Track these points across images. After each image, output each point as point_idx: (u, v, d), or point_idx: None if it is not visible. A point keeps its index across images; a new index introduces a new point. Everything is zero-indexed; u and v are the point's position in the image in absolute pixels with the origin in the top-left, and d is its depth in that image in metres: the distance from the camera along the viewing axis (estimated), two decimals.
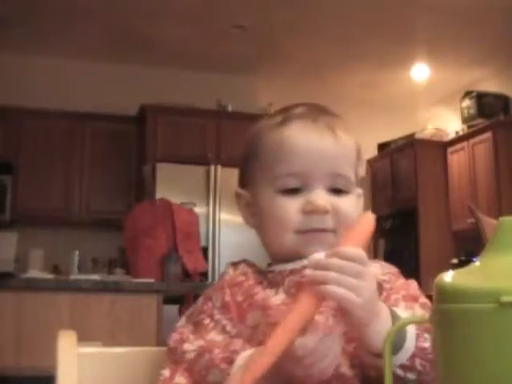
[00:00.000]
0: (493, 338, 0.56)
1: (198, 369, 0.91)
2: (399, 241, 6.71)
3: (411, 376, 0.86)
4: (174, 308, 3.46)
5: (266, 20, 5.65)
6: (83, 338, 1.07)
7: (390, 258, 6.25)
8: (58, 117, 6.22)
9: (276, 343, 0.79)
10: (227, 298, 0.98)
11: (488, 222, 2.78)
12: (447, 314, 0.60)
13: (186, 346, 0.94)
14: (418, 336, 0.85)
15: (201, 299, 1.01)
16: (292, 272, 0.98)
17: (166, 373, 0.94)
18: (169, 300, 3.32)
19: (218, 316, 0.96)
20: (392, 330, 0.66)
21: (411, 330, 0.85)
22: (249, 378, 0.77)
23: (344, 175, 1.01)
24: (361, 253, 0.83)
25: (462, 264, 5.83)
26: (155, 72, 6.62)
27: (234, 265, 1.04)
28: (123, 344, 3.01)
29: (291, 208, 0.98)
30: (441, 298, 0.61)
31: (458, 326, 0.58)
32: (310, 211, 0.98)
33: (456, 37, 5.84)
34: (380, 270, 1.01)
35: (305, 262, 0.96)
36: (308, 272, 0.83)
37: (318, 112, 1.04)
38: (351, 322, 0.82)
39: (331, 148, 1.00)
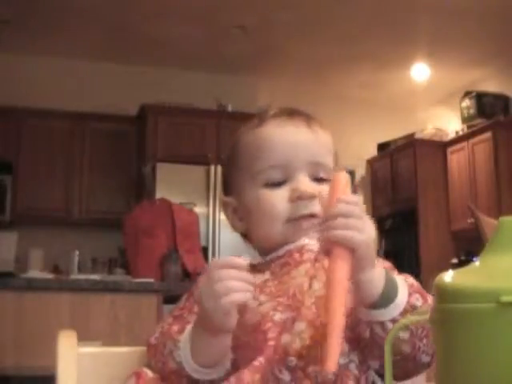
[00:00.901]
0: (493, 338, 0.56)
1: (159, 348, 0.93)
2: (399, 241, 6.71)
3: (403, 335, 0.87)
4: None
5: (267, 20, 5.65)
6: (83, 337, 1.07)
7: (390, 257, 6.24)
8: (58, 117, 6.22)
9: (338, 307, 0.79)
10: None
11: (488, 222, 2.78)
12: (447, 314, 0.60)
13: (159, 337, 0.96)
14: (409, 294, 0.87)
15: (184, 296, 1.03)
16: (278, 257, 0.99)
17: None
18: (169, 300, 3.31)
19: (196, 309, 0.96)
20: (392, 330, 0.66)
21: (403, 287, 0.87)
22: (332, 363, 0.76)
23: (323, 163, 1.03)
24: (357, 198, 0.86)
25: (462, 264, 5.83)
26: (155, 72, 6.62)
27: None
28: (123, 344, 3.01)
29: (278, 198, 1.00)
30: (441, 298, 0.61)
31: (458, 325, 0.58)
32: (296, 198, 0.99)
33: (456, 37, 5.84)
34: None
35: (291, 246, 0.99)
36: (319, 230, 0.85)
37: (292, 111, 1.06)
38: (354, 262, 0.83)
39: (308, 138, 1.03)
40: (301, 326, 0.92)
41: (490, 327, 0.56)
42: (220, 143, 6.11)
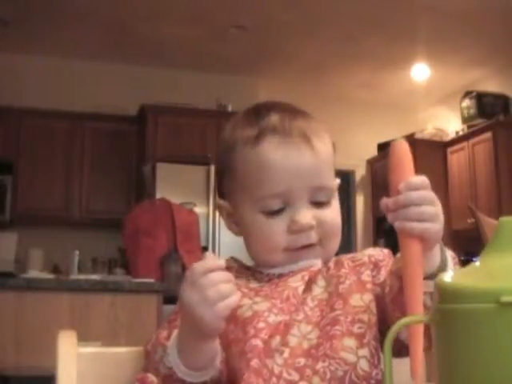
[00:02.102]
0: (493, 338, 0.56)
1: (150, 355, 0.93)
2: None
3: None
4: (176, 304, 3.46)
5: (267, 20, 5.65)
6: (83, 337, 1.07)
7: None
8: (58, 117, 6.22)
9: (415, 300, 0.78)
10: None
11: (488, 222, 2.78)
12: (447, 314, 0.60)
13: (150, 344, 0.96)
14: (454, 264, 0.89)
15: (178, 301, 1.02)
16: (279, 276, 0.99)
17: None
18: (169, 300, 3.31)
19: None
20: (392, 330, 0.66)
21: (450, 258, 0.88)
22: (417, 364, 0.75)
23: (324, 186, 1.01)
24: (425, 180, 0.84)
25: (462, 264, 5.82)
26: (155, 72, 6.62)
27: (234, 259, 1.06)
28: (123, 344, 3.01)
29: (277, 229, 0.99)
30: (441, 298, 0.61)
31: (458, 325, 0.58)
32: (296, 231, 0.98)
33: (456, 37, 5.84)
34: (374, 251, 1.04)
35: (294, 267, 0.99)
36: (390, 216, 0.82)
37: (290, 120, 1.02)
38: (424, 245, 0.82)
39: (310, 162, 0.99)
40: (307, 328, 0.93)
41: (490, 327, 0.56)
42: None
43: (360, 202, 7.49)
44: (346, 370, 0.90)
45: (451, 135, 6.81)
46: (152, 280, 3.43)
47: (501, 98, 6.37)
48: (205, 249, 5.18)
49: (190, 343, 0.87)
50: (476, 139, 6.30)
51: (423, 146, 6.73)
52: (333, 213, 1.02)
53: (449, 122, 7.05)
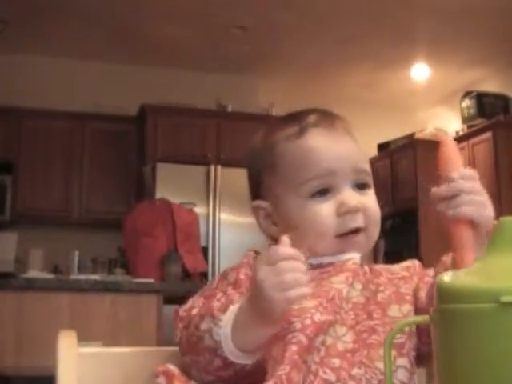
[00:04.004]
0: (493, 338, 0.56)
1: (194, 321, 0.91)
2: (399, 241, 6.71)
3: None
4: (174, 308, 3.46)
5: (267, 20, 5.65)
6: (83, 337, 1.07)
7: (390, 258, 6.25)
8: (58, 117, 6.22)
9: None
10: (241, 276, 0.99)
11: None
12: (448, 314, 0.60)
13: (194, 311, 0.95)
14: None
15: (217, 278, 1.02)
16: (319, 266, 1.00)
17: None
18: (169, 300, 3.31)
19: (230, 291, 0.96)
20: (392, 330, 0.66)
21: None
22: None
23: (365, 169, 1.06)
24: (475, 172, 0.87)
25: None
26: (155, 72, 6.62)
27: (256, 253, 1.05)
28: (123, 344, 3.01)
29: (326, 212, 1.00)
30: (441, 298, 0.61)
31: (459, 325, 0.58)
32: (344, 212, 1.00)
33: (456, 37, 5.84)
34: (410, 263, 1.06)
35: (334, 259, 1.00)
36: (442, 205, 0.85)
37: (331, 118, 1.08)
38: (478, 238, 0.84)
39: (350, 146, 1.05)
40: (342, 330, 0.93)
41: (491, 327, 0.57)
42: (220, 143, 6.11)
43: None
44: (381, 379, 0.90)
45: (451, 135, 6.81)
46: (152, 280, 3.43)
47: (501, 98, 6.37)
48: (205, 249, 5.18)
49: (249, 324, 0.86)
50: (476, 139, 6.30)
51: (423, 146, 6.72)
52: (374, 200, 1.06)
53: (449, 122, 7.05)
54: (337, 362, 0.90)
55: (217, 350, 0.87)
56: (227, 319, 0.87)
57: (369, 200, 1.04)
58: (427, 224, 6.52)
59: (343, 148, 1.04)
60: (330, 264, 1.00)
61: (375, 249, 7.15)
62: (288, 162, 1.03)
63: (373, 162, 7.36)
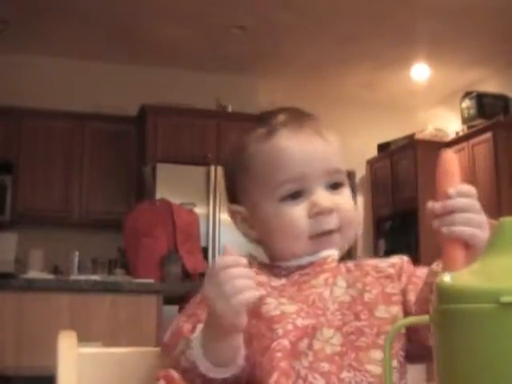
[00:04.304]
0: (493, 338, 0.56)
1: (171, 347, 0.93)
2: (399, 241, 6.71)
3: None
4: (174, 308, 3.46)
5: (267, 20, 5.65)
6: (83, 338, 1.07)
7: None
8: (58, 117, 6.22)
9: None
10: None
11: (488, 223, 2.77)
12: (447, 314, 0.60)
13: (167, 338, 0.96)
14: None
15: (198, 295, 1.02)
16: (299, 268, 0.99)
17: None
18: (169, 300, 3.31)
19: (198, 310, 0.96)
20: (392, 330, 0.66)
21: None
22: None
23: (339, 169, 1.04)
24: (473, 189, 0.85)
25: None
26: (155, 72, 6.62)
27: (251, 256, 1.05)
28: (123, 344, 3.01)
29: (298, 214, 0.99)
30: (441, 299, 0.61)
31: (459, 326, 0.58)
32: (316, 214, 0.99)
33: (456, 37, 5.84)
34: (396, 260, 1.05)
35: (313, 258, 0.99)
36: (436, 222, 0.84)
37: (300, 117, 1.06)
38: (470, 256, 0.82)
39: (321, 148, 1.02)
40: (329, 332, 0.93)
41: (491, 328, 0.56)
42: (220, 143, 6.11)
43: (360, 203, 7.49)
44: (371, 381, 0.90)
45: (451, 136, 6.81)
46: (152, 280, 3.43)
47: (501, 99, 6.37)
48: (205, 249, 5.18)
49: (213, 338, 0.86)
50: (476, 140, 6.30)
51: (423, 147, 6.72)
52: (349, 199, 1.05)
53: (449, 123, 7.05)
54: (326, 366, 0.90)
55: (194, 369, 0.88)
56: (197, 338, 0.88)
57: (343, 200, 1.03)
58: (427, 224, 6.50)
59: (313, 149, 1.01)
60: (310, 264, 0.99)
61: (375, 249, 7.15)
62: (259, 164, 1.02)
63: (373, 162, 7.39)
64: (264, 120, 1.06)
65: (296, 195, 1.00)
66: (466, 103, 6.48)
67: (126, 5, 5.40)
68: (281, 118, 1.05)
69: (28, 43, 6.10)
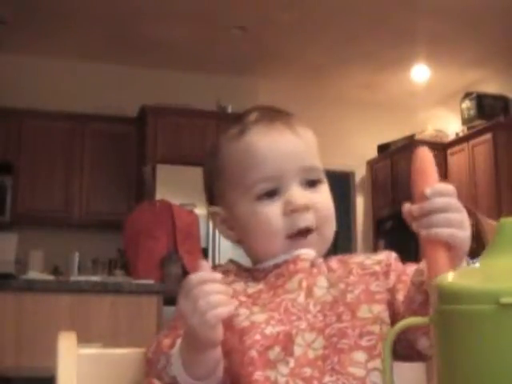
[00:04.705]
0: (493, 339, 0.56)
1: (154, 362, 0.93)
2: (399, 242, 6.69)
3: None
4: (174, 309, 3.46)
5: (267, 21, 5.65)
6: (83, 339, 1.07)
7: None
8: (59, 118, 6.22)
9: None
10: None
11: (488, 223, 2.78)
12: (447, 315, 0.60)
13: (150, 354, 0.96)
14: None
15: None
16: (275, 266, 0.99)
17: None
18: (169, 301, 3.31)
19: (178, 324, 0.95)
20: (393, 330, 0.66)
21: None
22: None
23: (313, 166, 1.02)
24: (451, 187, 0.84)
25: None
26: (155, 73, 6.62)
27: (216, 267, 1.04)
28: (123, 345, 3.00)
29: (273, 212, 0.98)
30: (441, 299, 0.61)
31: (458, 326, 0.58)
32: (291, 211, 0.98)
33: (456, 38, 5.84)
34: (383, 256, 1.03)
35: (288, 256, 0.98)
36: (415, 224, 0.82)
37: (271, 114, 1.05)
38: (455, 258, 0.81)
39: (294, 144, 1.01)
40: (311, 336, 0.92)
41: (490, 328, 0.57)
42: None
43: (360, 204, 7.49)
44: None
45: (451, 136, 6.81)
46: (152, 281, 3.43)
47: (501, 99, 6.37)
48: (205, 250, 5.18)
49: (191, 352, 0.87)
50: (476, 140, 6.30)
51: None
52: (325, 197, 1.02)
53: (449, 123, 7.05)
54: (308, 371, 0.89)
55: None
56: (176, 353, 0.89)
57: (320, 197, 1.01)
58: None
59: (286, 146, 1.00)
60: (285, 262, 0.98)
61: (375, 249, 7.14)
62: (232, 164, 1.01)
63: (373, 163, 7.39)
64: (237, 119, 1.05)
65: (271, 193, 0.99)
66: (466, 104, 6.48)
67: (126, 6, 5.41)
68: (252, 116, 1.04)
69: (28, 44, 6.10)
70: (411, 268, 0.98)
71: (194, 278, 0.84)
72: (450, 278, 0.62)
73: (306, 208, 0.98)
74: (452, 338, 0.59)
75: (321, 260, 1.01)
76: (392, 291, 0.96)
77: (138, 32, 5.84)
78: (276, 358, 0.90)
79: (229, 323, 0.89)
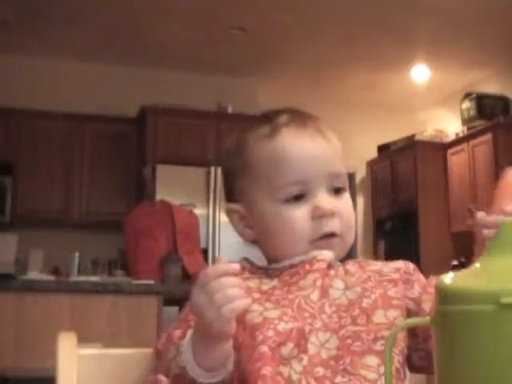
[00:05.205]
0: (493, 339, 0.56)
1: (163, 354, 0.94)
2: (399, 242, 6.71)
3: None
4: (174, 309, 3.46)
5: (266, 22, 5.65)
6: (83, 339, 1.07)
7: (389, 259, 6.24)
8: (58, 118, 6.22)
9: None
10: None
11: None
12: (448, 316, 0.60)
13: (160, 344, 0.96)
14: None
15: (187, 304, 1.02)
16: (291, 266, 0.99)
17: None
18: (169, 301, 3.31)
19: (190, 316, 0.96)
20: (393, 330, 0.66)
21: None
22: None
23: (340, 173, 1.03)
24: None
25: (462, 265, 5.83)
26: (155, 73, 6.62)
27: (247, 260, 1.05)
28: (123, 345, 3.01)
29: (300, 217, 0.99)
30: (441, 300, 0.61)
31: (459, 327, 0.58)
32: (319, 216, 0.99)
33: (456, 38, 5.85)
34: (401, 264, 1.04)
35: (303, 257, 0.98)
36: (486, 232, 0.87)
37: (302, 117, 1.05)
38: None
39: (324, 149, 1.02)
40: (325, 335, 0.92)
41: (491, 329, 0.57)
42: (220, 145, 6.10)
43: (360, 204, 7.49)
44: None
45: (451, 137, 6.81)
46: (152, 281, 3.43)
47: (501, 100, 6.37)
48: (205, 250, 5.17)
49: (203, 344, 0.87)
50: (476, 141, 6.30)
51: (423, 148, 6.73)
52: (349, 204, 1.04)
53: (449, 124, 7.05)
54: (320, 370, 0.89)
55: (185, 375, 0.88)
56: (187, 344, 0.89)
57: (344, 204, 1.02)
58: (427, 225, 6.52)
59: (317, 151, 1.01)
60: (301, 262, 0.98)
61: (375, 250, 7.15)
62: (260, 164, 1.01)
63: (373, 163, 7.39)
64: (266, 119, 1.05)
65: (298, 197, 0.99)
66: (466, 104, 6.48)
67: (126, 6, 5.41)
68: (283, 117, 1.04)
69: (28, 44, 6.10)
70: (434, 281, 0.99)
71: (210, 270, 0.84)
72: (450, 278, 0.62)
73: (332, 214, 0.99)
74: (453, 338, 0.59)
75: (338, 263, 1.01)
76: (417, 301, 0.97)
77: (137, 32, 5.84)
78: (289, 354, 0.90)
79: (241, 319, 0.89)
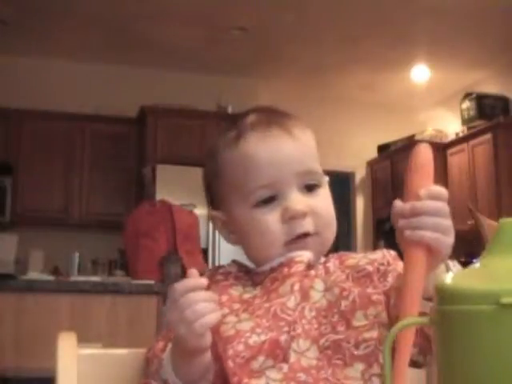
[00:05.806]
0: (493, 339, 0.56)
1: (149, 365, 0.94)
2: None
3: None
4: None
5: (267, 22, 5.65)
6: (83, 339, 1.07)
7: None
8: (58, 118, 6.22)
9: (411, 309, 0.76)
10: None
11: (488, 224, 2.78)
12: (448, 316, 0.60)
13: (148, 355, 0.97)
14: None
15: None
16: (272, 270, 0.98)
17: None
18: None
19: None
20: (393, 330, 0.66)
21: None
22: (403, 359, 0.72)
23: (311, 170, 1.01)
24: (444, 191, 0.82)
25: (462, 265, 5.82)
26: (155, 73, 6.62)
27: (218, 267, 1.04)
28: (123, 345, 3.01)
29: (272, 220, 0.97)
30: (441, 300, 0.61)
31: (459, 327, 0.58)
32: (289, 218, 0.97)
33: (456, 38, 5.85)
34: (378, 255, 1.01)
35: (282, 258, 0.97)
36: (402, 222, 0.80)
37: (269, 117, 1.03)
38: (433, 262, 0.81)
39: (291, 148, 0.99)
40: (306, 344, 0.91)
41: (491, 329, 0.56)
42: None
43: (360, 204, 7.49)
44: None
45: (451, 137, 6.81)
46: (152, 281, 3.43)
47: (501, 100, 6.37)
48: (205, 250, 5.17)
49: (181, 358, 0.87)
50: (476, 141, 6.30)
51: None
52: (325, 201, 1.01)
53: (449, 124, 7.05)
54: (302, 376, 0.88)
55: None
56: (167, 357, 0.89)
57: (319, 201, 1.00)
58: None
59: (282, 152, 0.99)
60: (280, 265, 0.97)
61: (375, 250, 7.14)
62: (229, 170, 1.01)
63: (373, 163, 7.39)
64: (233, 124, 1.04)
65: (269, 200, 0.98)
66: (466, 104, 6.48)
67: (126, 6, 5.41)
68: (249, 119, 1.02)
69: (28, 44, 6.10)
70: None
71: (178, 286, 0.84)
72: (450, 278, 0.62)
73: (303, 214, 0.97)
74: (452, 339, 0.59)
75: (320, 261, 1.00)
76: (387, 294, 0.94)
77: (137, 32, 5.84)
78: (261, 366, 0.89)
79: (216, 330, 0.89)
